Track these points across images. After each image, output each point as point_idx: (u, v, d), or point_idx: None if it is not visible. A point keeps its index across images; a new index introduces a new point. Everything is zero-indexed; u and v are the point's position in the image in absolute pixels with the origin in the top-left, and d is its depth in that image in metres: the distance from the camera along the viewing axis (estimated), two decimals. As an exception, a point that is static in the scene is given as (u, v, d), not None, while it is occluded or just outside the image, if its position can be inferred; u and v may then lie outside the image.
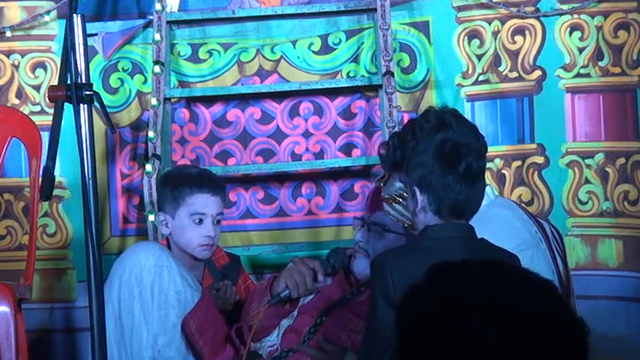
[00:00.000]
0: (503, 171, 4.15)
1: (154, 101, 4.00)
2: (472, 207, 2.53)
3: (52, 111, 2.34)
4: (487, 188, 3.05)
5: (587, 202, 4.12)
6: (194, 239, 3.28)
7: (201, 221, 3.28)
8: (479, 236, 2.53)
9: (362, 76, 4.19)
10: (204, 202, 3.29)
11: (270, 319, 2.97)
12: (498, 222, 2.96)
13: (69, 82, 2.24)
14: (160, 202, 3.40)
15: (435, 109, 2.59)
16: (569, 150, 4.14)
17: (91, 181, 2.24)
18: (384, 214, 2.88)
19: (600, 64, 4.13)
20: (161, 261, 3.03)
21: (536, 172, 4.14)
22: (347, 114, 4.22)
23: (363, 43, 4.22)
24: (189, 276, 3.10)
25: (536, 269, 3.01)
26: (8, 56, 4.19)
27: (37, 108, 4.18)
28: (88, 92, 2.22)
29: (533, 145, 4.15)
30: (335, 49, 4.24)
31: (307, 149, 4.23)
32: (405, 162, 2.54)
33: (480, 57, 4.17)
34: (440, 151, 2.46)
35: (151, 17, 4.13)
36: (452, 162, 2.46)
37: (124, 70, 4.21)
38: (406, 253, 2.50)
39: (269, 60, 4.24)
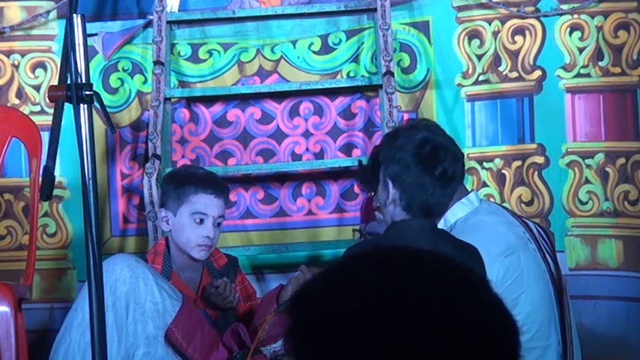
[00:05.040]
0: (503, 171, 4.15)
1: (154, 101, 4.00)
2: (442, 208, 2.62)
3: (52, 111, 2.34)
4: (471, 195, 3.07)
5: (587, 202, 4.12)
6: (193, 238, 3.28)
7: (202, 221, 3.28)
8: None
9: (362, 76, 4.19)
10: (207, 203, 3.29)
11: (276, 328, 2.97)
12: (484, 229, 2.98)
13: (69, 82, 2.24)
14: (164, 198, 3.40)
15: (404, 127, 2.71)
16: (569, 150, 4.14)
17: (91, 181, 2.24)
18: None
19: (600, 64, 4.13)
20: (136, 273, 3.04)
21: (536, 172, 4.13)
22: (347, 114, 4.22)
23: (363, 43, 4.22)
24: (168, 285, 3.11)
25: (525, 270, 3.04)
26: (8, 56, 4.19)
27: (37, 108, 4.18)
28: (88, 92, 2.22)
29: (533, 145, 4.14)
30: (335, 49, 4.24)
31: (307, 149, 4.23)
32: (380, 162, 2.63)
33: (480, 57, 4.17)
34: (419, 152, 2.52)
35: (151, 17, 4.13)
36: (430, 164, 2.51)
37: (124, 70, 4.21)
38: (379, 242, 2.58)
39: (269, 60, 4.24)
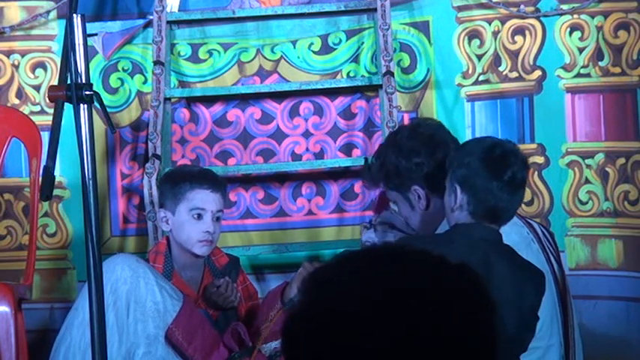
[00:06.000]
0: (503, 171, 4.14)
1: (154, 101, 4.00)
2: (508, 214, 2.58)
3: (52, 111, 2.34)
4: None
5: (587, 202, 4.12)
6: (193, 234, 3.29)
7: (200, 216, 3.29)
8: None
9: (362, 76, 4.19)
10: (204, 198, 3.30)
11: (279, 324, 2.98)
12: None
13: (69, 82, 2.24)
14: (161, 199, 3.41)
15: (408, 125, 2.72)
16: (569, 150, 4.14)
17: (91, 181, 2.24)
18: (391, 214, 2.90)
19: (600, 64, 4.13)
20: (137, 272, 3.04)
21: (536, 172, 4.13)
22: (347, 114, 4.22)
23: (363, 43, 4.22)
24: (169, 285, 3.11)
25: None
26: (8, 56, 4.19)
27: (37, 108, 4.18)
28: (88, 92, 2.22)
29: (533, 145, 4.14)
30: (335, 49, 4.24)
31: (307, 149, 4.23)
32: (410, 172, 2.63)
33: (480, 57, 4.17)
34: (488, 157, 2.50)
35: (151, 17, 4.13)
36: (499, 169, 2.49)
37: (124, 70, 4.21)
38: (434, 242, 2.52)
39: (269, 60, 4.24)
